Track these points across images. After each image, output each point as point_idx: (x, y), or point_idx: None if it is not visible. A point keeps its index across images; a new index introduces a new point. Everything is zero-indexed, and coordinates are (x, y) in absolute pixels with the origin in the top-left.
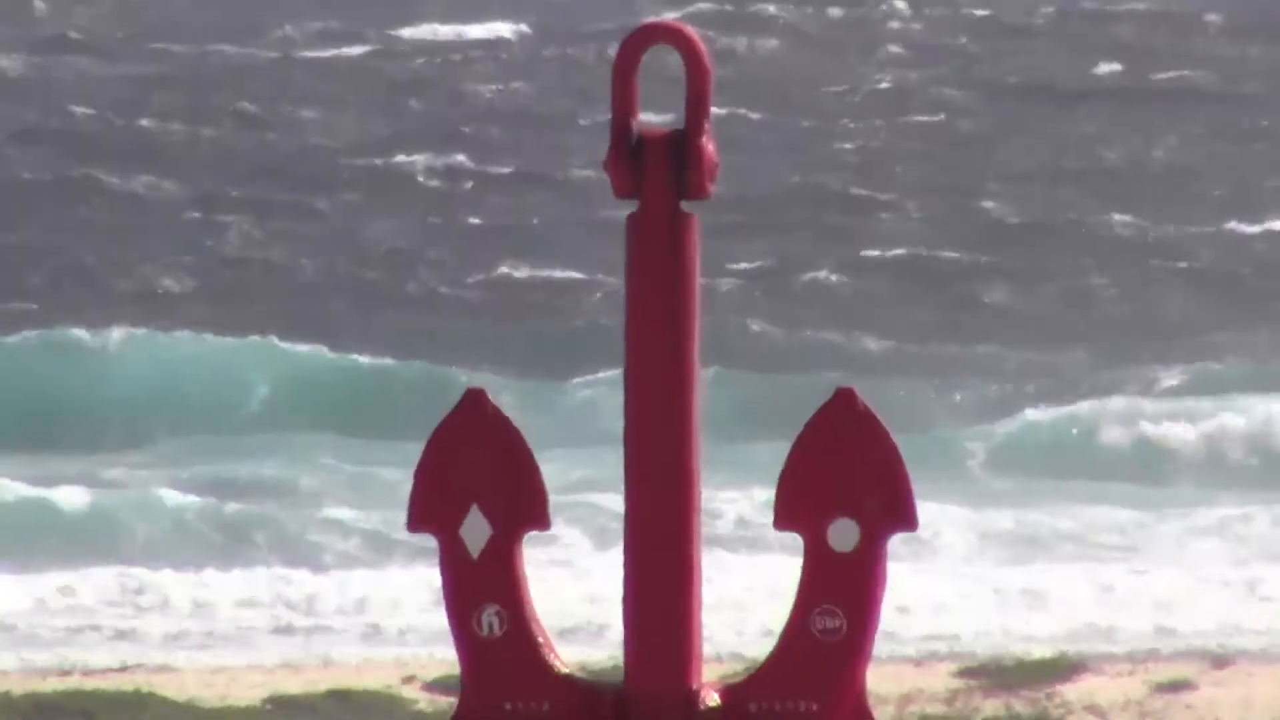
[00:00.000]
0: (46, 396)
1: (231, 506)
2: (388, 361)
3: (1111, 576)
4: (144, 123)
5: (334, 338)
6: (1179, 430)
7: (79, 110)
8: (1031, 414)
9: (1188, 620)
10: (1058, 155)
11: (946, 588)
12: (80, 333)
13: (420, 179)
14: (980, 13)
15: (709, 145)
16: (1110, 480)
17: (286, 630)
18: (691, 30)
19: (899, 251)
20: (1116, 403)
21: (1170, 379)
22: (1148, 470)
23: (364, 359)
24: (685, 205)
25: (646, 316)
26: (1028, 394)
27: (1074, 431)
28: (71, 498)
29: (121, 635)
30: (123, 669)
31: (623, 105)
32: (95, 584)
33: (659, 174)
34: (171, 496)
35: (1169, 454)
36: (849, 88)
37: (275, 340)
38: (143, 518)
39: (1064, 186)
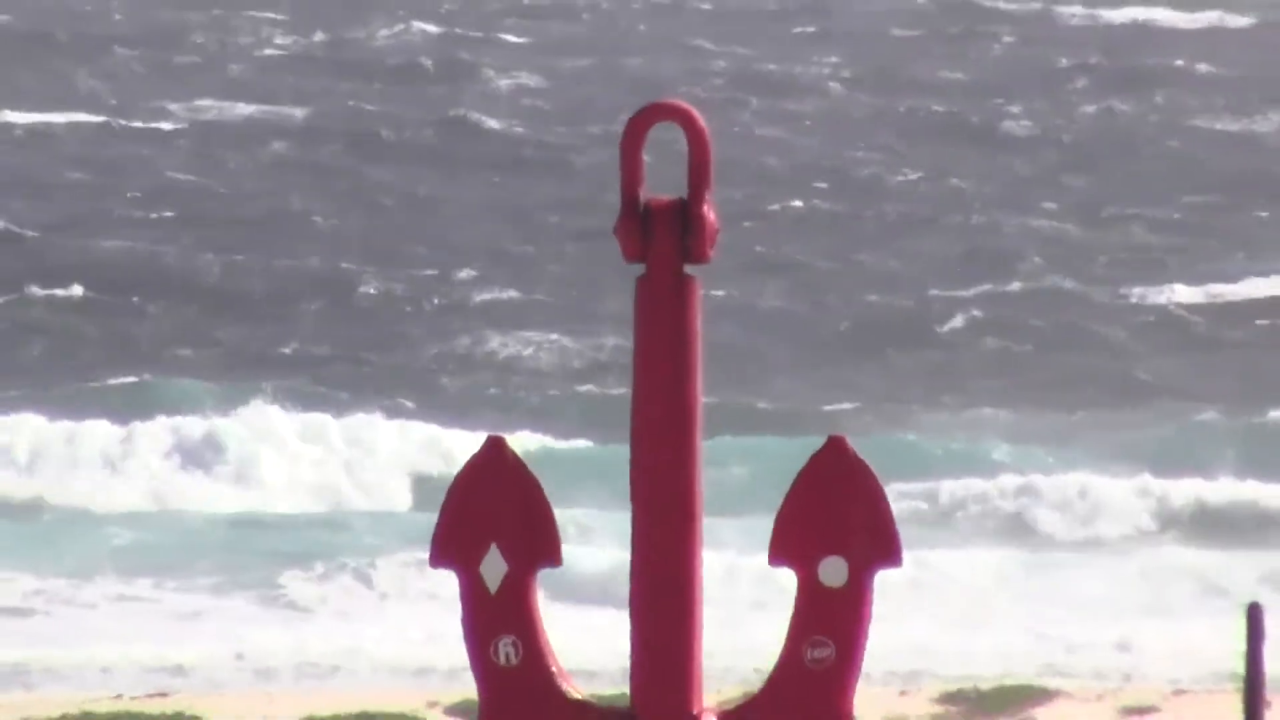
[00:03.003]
0: None
1: None
2: None
3: None
4: None
5: None
6: None
7: None
8: None
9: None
10: None
11: None
12: None
13: None
14: None
15: (710, 213)
16: None
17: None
18: (692, 108)
19: None
20: None
21: None
22: None
23: None
24: (688, 268)
25: (653, 370)
26: None
27: None
28: None
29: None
30: (166, 695)
31: (631, 176)
32: None
33: (664, 239)
34: None
35: None
36: None
37: None
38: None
39: None
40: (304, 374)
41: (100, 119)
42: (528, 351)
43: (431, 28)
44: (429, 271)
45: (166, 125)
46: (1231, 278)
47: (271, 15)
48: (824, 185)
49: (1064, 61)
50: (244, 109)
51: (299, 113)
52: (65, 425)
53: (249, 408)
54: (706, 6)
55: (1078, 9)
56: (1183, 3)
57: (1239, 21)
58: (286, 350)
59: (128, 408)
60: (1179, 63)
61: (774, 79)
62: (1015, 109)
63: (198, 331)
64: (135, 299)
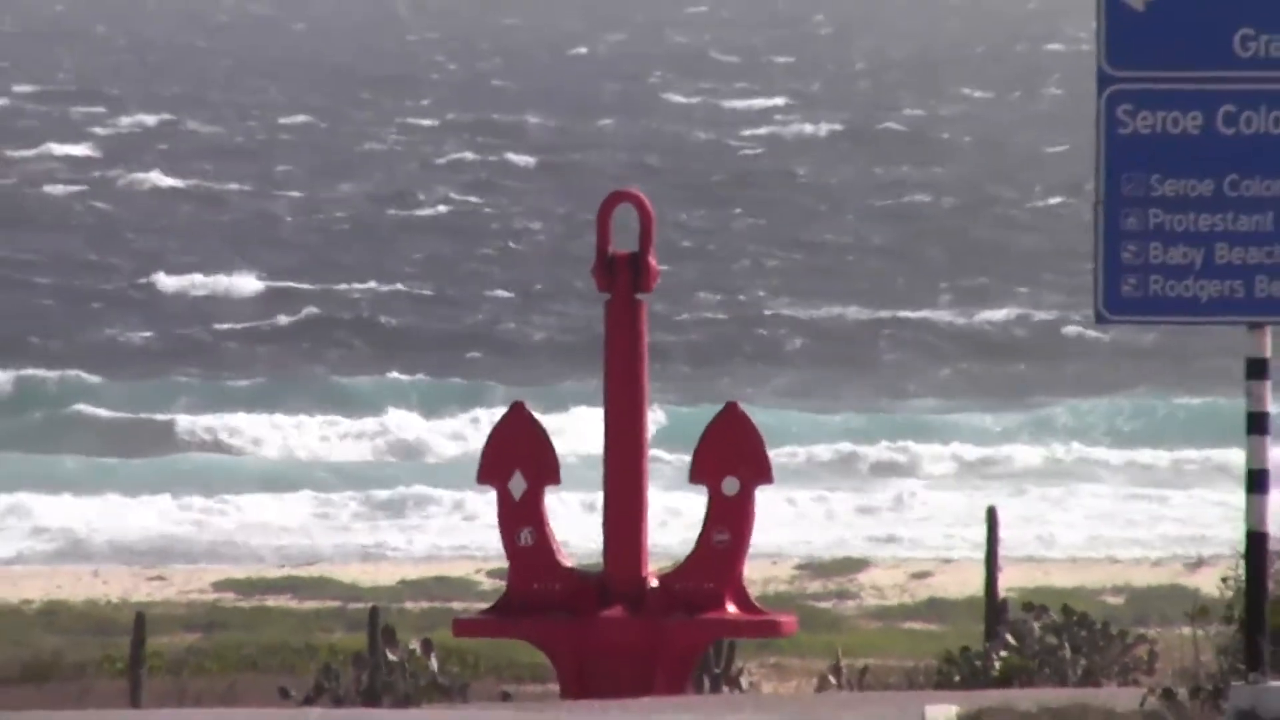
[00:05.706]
0: None
1: None
2: None
3: None
4: None
5: None
6: None
7: None
8: None
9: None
10: None
11: None
12: None
13: None
14: None
15: (653, 261)
16: None
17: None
18: (641, 193)
19: None
20: None
21: None
22: None
23: None
24: (639, 296)
25: (617, 359)
26: None
27: None
28: None
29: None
30: (313, 563)
31: (603, 237)
32: None
33: (624, 277)
34: None
35: None
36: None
37: None
38: None
39: None
40: None
41: None
42: None
43: None
44: None
45: None
46: None
47: None
48: None
49: None
50: None
51: None
52: None
53: None
54: None
55: None
56: None
57: None
58: None
59: None
60: None
61: None
62: None
63: None
64: None
